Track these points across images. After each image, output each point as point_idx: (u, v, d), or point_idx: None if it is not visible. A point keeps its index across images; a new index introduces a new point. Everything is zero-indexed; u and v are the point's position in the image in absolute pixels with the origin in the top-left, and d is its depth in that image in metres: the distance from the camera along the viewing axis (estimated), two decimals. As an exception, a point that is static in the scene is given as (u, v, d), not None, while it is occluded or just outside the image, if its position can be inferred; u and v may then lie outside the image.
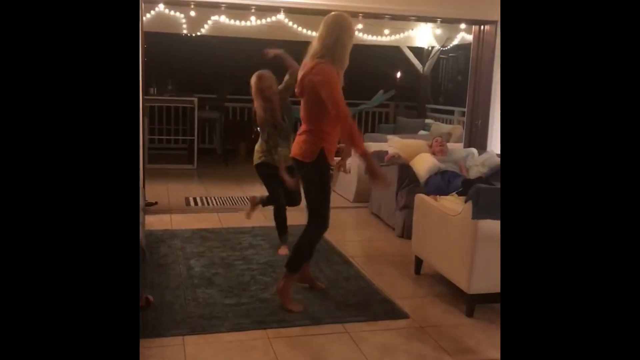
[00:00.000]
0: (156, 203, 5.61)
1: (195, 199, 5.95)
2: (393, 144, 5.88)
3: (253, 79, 4.10)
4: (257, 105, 4.14)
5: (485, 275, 3.21)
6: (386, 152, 5.69)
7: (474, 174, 5.31)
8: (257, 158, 4.28)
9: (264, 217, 5.28)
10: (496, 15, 5.66)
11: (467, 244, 3.23)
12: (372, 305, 3.41)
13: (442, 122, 8.83)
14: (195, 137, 7.80)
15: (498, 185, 3.92)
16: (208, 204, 5.83)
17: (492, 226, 3.15)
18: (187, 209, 5.61)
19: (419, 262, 3.97)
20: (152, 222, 4.89)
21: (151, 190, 5.76)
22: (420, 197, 3.92)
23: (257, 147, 4.30)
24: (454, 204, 3.63)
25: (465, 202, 3.30)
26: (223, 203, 5.89)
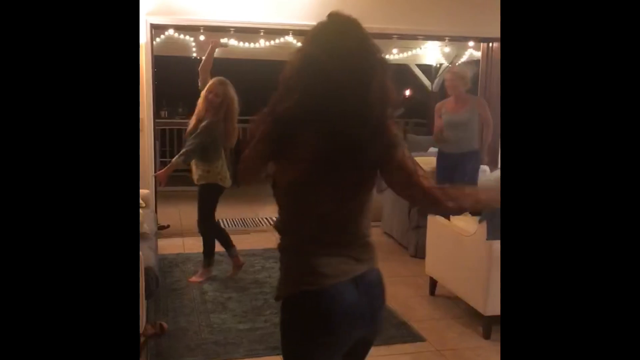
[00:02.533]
0: (168, 226, 5.62)
1: (207, 221, 5.95)
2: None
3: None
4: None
5: (501, 296, 3.16)
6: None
7: (486, 191, 5.27)
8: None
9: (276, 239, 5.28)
10: (504, 32, 5.67)
11: (482, 265, 3.20)
12: (387, 329, 3.37)
13: (452, 139, 8.81)
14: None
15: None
16: (219, 223, 5.82)
17: (508, 247, 3.11)
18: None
19: (433, 283, 3.93)
20: (164, 246, 4.89)
21: (163, 213, 5.77)
22: (433, 217, 3.90)
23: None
24: (467, 224, 3.60)
25: (479, 222, 3.28)
26: (235, 225, 5.88)
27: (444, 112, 4.82)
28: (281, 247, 1.47)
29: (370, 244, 1.50)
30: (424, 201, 1.42)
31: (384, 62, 1.41)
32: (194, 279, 4.12)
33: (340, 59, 1.33)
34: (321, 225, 1.40)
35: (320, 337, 1.36)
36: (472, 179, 4.72)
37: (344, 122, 1.31)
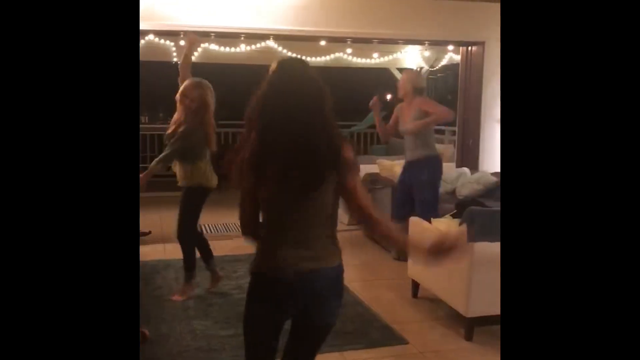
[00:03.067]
0: (150, 232, 5.58)
1: (189, 227, 5.91)
2: (383, 167, 5.89)
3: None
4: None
5: (483, 297, 3.19)
6: (378, 175, 5.70)
7: (467, 191, 5.33)
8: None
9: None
10: (483, 36, 5.74)
11: (463, 267, 3.22)
12: (370, 332, 3.38)
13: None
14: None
15: (491, 205, 3.94)
16: (202, 231, 5.78)
17: (488, 248, 3.14)
18: (181, 238, 5.57)
19: (415, 285, 3.95)
20: (146, 252, 4.85)
21: (144, 220, 5.71)
22: (415, 220, 3.92)
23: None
24: (448, 226, 3.63)
25: (460, 224, 3.31)
26: (217, 230, 5.86)
27: (400, 119, 4.64)
28: (259, 241, 1.86)
29: (330, 244, 1.81)
30: (368, 226, 1.85)
31: (327, 95, 1.76)
32: (176, 297, 3.87)
33: (291, 97, 1.71)
34: (285, 228, 1.79)
35: (258, 306, 1.83)
36: (432, 185, 4.57)
37: (299, 148, 1.69)
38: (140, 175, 3.78)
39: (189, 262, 3.95)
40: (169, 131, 3.86)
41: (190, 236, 3.98)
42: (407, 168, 4.68)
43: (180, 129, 3.76)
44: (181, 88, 3.80)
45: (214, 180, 3.90)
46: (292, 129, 1.69)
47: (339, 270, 1.82)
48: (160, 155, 3.87)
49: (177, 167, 3.91)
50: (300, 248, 1.76)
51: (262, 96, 1.74)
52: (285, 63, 1.80)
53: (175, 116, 3.87)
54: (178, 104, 3.83)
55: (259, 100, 1.74)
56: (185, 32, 4.07)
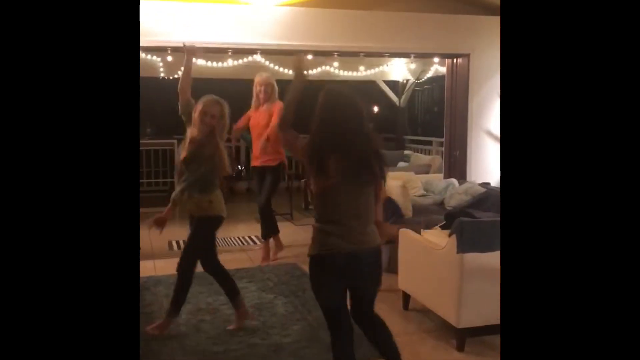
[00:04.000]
0: (139, 249, 5.54)
1: (178, 242, 5.89)
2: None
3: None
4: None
5: (473, 308, 3.21)
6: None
7: (455, 202, 5.36)
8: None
9: (249, 259, 5.26)
10: (468, 48, 5.81)
11: (453, 278, 3.24)
12: (361, 345, 3.36)
13: (421, 153, 8.94)
14: (176, 179, 7.75)
15: (479, 216, 3.96)
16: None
17: (478, 259, 3.16)
18: (170, 254, 5.54)
19: (406, 297, 3.96)
20: (135, 268, 4.82)
21: (133, 236, 5.69)
22: (404, 232, 3.94)
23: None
24: (438, 237, 3.65)
25: (449, 235, 3.33)
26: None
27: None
28: (314, 227, 2.40)
29: (371, 231, 2.41)
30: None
31: (366, 110, 2.45)
32: (153, 329, 3.48)
33: (343, 110, 2.35)
34: (333, 215, 2.36)
35: (323, 280, 2.41)
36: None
37: (350, 149, 2.32)
38: (162, 214, 3.52)
39: (180, 299, 3.52)
40: (186, 154, 3.42)
41: (216, 268, 3.64)
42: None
43: (204, 151, 3.39)
44: (201, 105, 3.43)
45: (225, 210, 3.58)
46: (344, 135, 2.31)
47: (379, 250, 2.44)
48: (184, 184, 3.44)
49: (185, 198, 3.45)
50: (350, 234, 2.34)
51: (320, 110, 2.37)
52: (331, 88, 2.47)
53: (193, 135, 3.43)
54: (197, 123, 3.41)
55: (317, 115, 2.37)
56: (184, 44, 3.85)
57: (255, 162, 5.21)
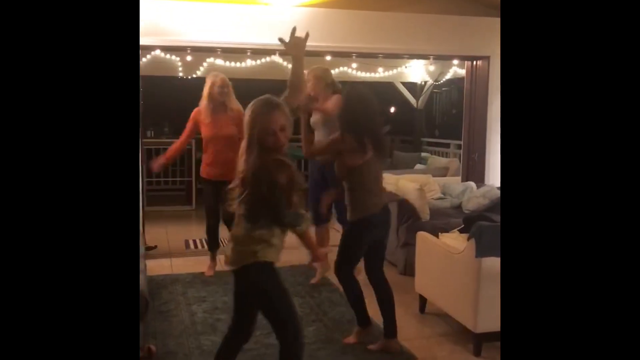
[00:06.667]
0: (156, 247, 5.58)
1: (195, 241, 5.92)
2: (388, 182, 5.88)
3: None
4: None
5: (491, 313, 3.17)
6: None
7: (473, 205, 5.32)
8: None
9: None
10: (487, 51, 5.76)
11: (471, 282, 3.21)
12: (378, 348, 3.35)
13: (439, 155, 8.89)
14: (193, 178, 7.80)
15: (498, 219, 3.93)
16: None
17: (497, 264, 3.13)
18: (187, 252, 5.57)
19: (423, 300, 3.93)
20: (152, 267, 4.84)
21: (150, 234, 5.73)
22: (422, 235, 3.91)
23: None
24: (456, 241, 3.62)
25: (468, 239, 3.30)
26: (222, 244, 5.84)
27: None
28: (349, 197, 3.22)
29: (385, 195, 3.41)
30: None
31: (376, 103, 3.29)
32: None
33: (366, 104, 3.22)
34: (370, 184, 3.17)
35: (366, 239, 3.25)
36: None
37: (372, 133, 3.15)
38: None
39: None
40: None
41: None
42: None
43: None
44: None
45: None
46: (367, 123, 3.13)
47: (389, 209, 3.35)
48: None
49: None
50: (380, 198, 3.23)
51: (345, 103, 3.29)
52: (353, 87, 3.37)
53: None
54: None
55: (342, 108, 3.27)
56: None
57: None
